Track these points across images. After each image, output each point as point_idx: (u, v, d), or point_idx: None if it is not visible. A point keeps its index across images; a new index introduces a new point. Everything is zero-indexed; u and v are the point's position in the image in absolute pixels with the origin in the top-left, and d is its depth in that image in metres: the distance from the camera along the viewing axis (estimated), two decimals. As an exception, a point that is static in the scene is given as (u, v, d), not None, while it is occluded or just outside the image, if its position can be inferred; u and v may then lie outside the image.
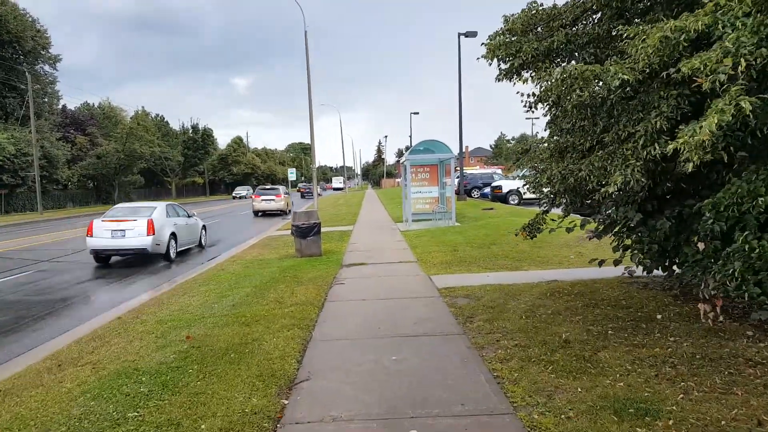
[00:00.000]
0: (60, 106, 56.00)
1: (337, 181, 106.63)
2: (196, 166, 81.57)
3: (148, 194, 69.65)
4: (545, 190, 6.46)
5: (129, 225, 13.75)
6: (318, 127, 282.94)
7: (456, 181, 22.85)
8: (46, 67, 49.32)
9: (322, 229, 19.19)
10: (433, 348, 5.41)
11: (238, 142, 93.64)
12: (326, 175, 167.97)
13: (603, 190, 4.85)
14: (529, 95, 7.46)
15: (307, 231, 12.36)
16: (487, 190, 32.77)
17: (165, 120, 78.26)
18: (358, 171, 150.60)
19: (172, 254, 14.44)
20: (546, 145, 7.72)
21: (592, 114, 5.55)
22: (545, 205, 7.13)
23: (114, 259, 14.50)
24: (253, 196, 28.77)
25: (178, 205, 17.17)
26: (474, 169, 50.39)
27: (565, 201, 6.44)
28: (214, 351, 5.50)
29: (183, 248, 15.41)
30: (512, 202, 28.63)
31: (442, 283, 8.64)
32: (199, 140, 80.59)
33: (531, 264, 10.07)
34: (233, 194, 66.53)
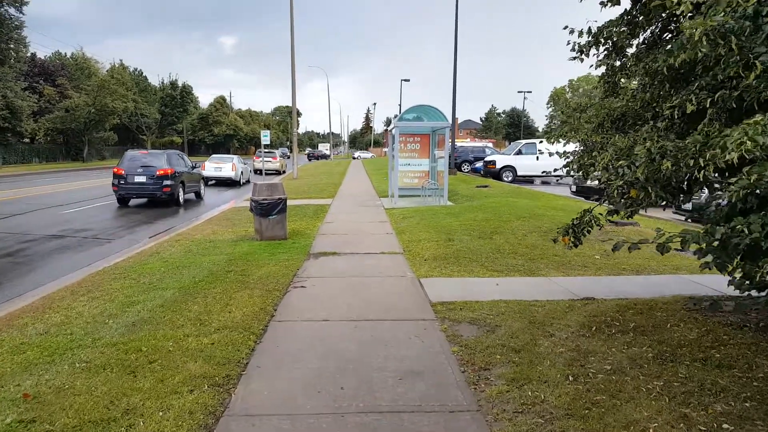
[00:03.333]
0: (29, 55, 51.82)
1: (323, 148, 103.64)
2: (173, 125, 77.70)
3: (122, 152, 65.90)
4: (613, 179, 4.06)
5: (223, 165, 26.64)
6: (305, 92, 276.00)
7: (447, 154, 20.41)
8: (12, 10, 44.97)
9: (296, 202, 16.79)
10: (427, 448, 3.12)
11: (221, 102, 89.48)
12: (312, 141, 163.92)
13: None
14: (581, 32, 5.11)
15: (269, 208, 9.93)
16: (479, 164, 30.35)
17: (143, 75, 74.03)
18: (345, 138, 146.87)
19: (241, 182, 27.19)
20: (594, 112, 5.38)
21: (730, 48, 3.10)
22: (614, 201, 4.65)
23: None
24: (254, 157, 37.07)
25: (242, 158, 31.23)
26: (464, 142, 47.83)
27: (642, 195, 4.04)
28: (46, 438, 3.17)
29: (243, 180, 27.80)
30: (506, 179, 26.32)
31: (437, 292, 6.34)
32: (178, 97, 76.59)
33: (549, 266, 7.82)
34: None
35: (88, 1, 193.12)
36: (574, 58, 5.40)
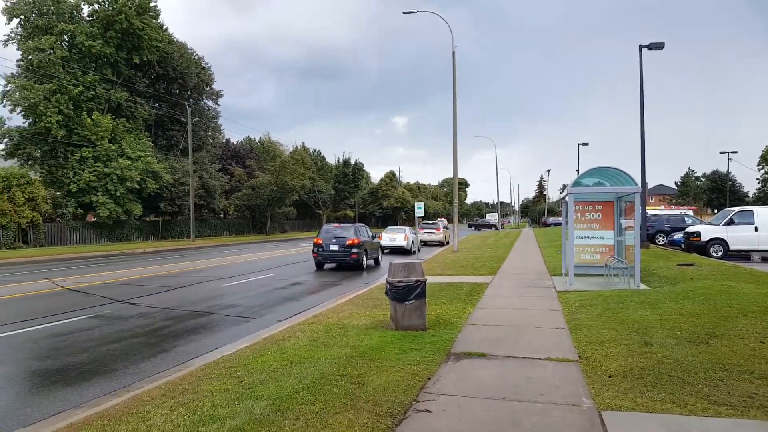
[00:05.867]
0: (224, 140, 59.32)
1: (491, 217, 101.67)
2: (346, 200, 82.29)
3: (301, 226, 70.98)
4: None
5: (396, 236, 29.43)
6: (472, 162, 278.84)
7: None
8: (209, 102, 52.25)
9: (449, 280, 14.94)
10: None
11: (390, 177, 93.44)
12: (481, 210, 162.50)
13: None
14: None
15: (405, 293, 8.28)
16: (678, 236, 25.72)
17: (322, 155, 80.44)
18: (516, 207, 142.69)
19: (412, 250, 29.57)
20: None
21: None
22: None
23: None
24: (419, 230, 37.51)
25: (412, 228, 33.45)
26: (658, 210, 42.10)
27: None
28: None
29: (414, 249, 30.09)
30: (715, 255, 21.56)
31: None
32: (350, 174, 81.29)
33: (821, 401, 4.90)
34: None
35: (277, 95, 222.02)
36: None
